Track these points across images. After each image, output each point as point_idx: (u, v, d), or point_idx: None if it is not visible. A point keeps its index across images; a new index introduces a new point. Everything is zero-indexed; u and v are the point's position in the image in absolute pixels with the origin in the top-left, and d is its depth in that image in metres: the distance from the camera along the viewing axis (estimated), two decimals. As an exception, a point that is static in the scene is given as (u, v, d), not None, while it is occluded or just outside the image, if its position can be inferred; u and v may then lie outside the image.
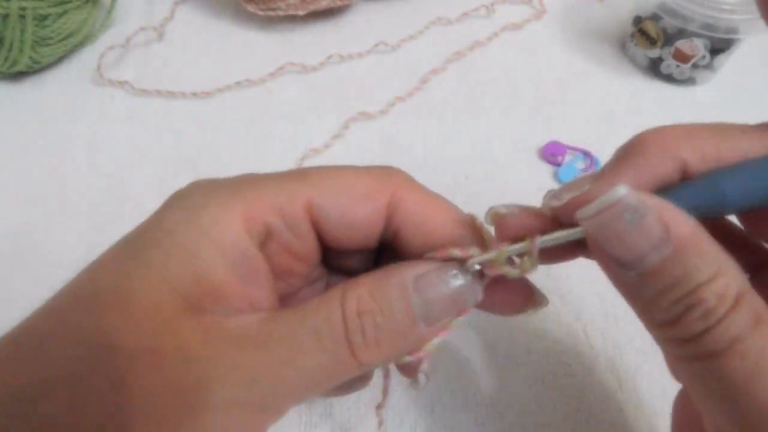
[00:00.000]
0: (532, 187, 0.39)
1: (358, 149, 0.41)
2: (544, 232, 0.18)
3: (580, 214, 0.17)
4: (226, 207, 0.18)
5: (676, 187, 0.18)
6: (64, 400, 0.15)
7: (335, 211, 0.19)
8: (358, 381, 0.22)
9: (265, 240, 0.19)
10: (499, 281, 0.20)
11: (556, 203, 0.19)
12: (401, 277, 0.18)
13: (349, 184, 0.19)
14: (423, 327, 0.18)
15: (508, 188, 0.39)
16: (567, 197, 0.18)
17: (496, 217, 0.20)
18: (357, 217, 0.19)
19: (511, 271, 0.18)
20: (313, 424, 0.29)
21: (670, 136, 0.19)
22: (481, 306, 0.20)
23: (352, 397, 0.29)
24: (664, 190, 0.18)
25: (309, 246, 0.20)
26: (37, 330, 0.17)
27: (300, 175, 0.19)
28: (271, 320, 0.17)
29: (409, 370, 0.21)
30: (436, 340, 0.19)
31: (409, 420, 0.29)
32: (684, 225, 0.16)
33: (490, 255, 0.18)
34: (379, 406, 0.24)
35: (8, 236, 0.36)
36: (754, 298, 0.16)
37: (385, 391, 0.21)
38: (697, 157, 0.18)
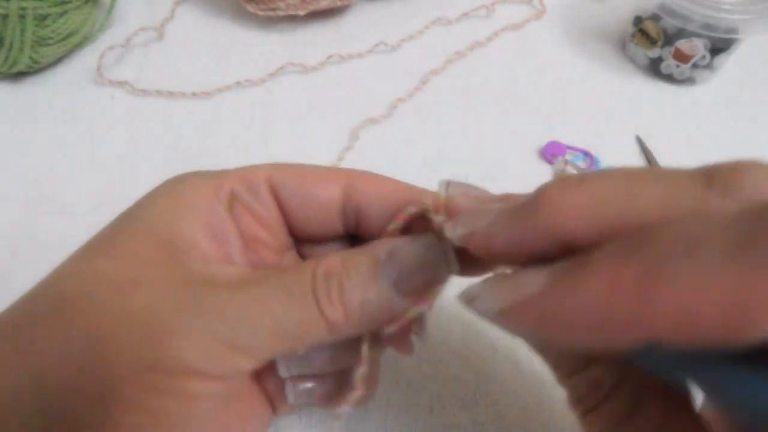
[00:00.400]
0: (532, 187, 0.39)
1: (359, 149, 0.41)
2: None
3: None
4: (199, 181, 0.20)
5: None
6: (54, 331, 0.17)
7: (291, 183, 0.21)
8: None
9: (232, 202, 0.21)
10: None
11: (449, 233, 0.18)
12: (373, 248, 0.19)
13: (306, 168, 0.22)
14: (395, 295, 0.18)
15: (508, 188, 0.39)
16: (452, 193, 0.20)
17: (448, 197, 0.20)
18: (313, 192, 0.21)
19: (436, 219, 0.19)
20: (312, 424, 0.29)
21: (569, 201, 0.15)
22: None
23: (352, 397, 0.29)
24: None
25: (271, 211, 0.21)
26: (40, 285, 0.19)
27: (262, 164, 0.22)
28: (247, 272, 0.19)
29: (399, 343, 0.21)
30: (414, 309, 0.19)
31: (409, 420, 0.29)
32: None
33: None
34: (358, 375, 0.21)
35: (8, 235, 0.36)
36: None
37: (363, 358, 0.20)
38: (592, 231, 0.14)
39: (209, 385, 0.17)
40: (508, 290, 0.14)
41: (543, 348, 0.20)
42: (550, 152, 0.40)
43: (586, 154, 0.40)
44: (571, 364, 0.19)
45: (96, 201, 0.38)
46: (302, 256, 0.23)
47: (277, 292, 0.18)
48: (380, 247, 0.19)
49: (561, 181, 0.15)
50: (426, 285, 0.19)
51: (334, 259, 0.19)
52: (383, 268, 0.18)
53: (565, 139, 0.41)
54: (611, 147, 0.41)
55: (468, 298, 0.16)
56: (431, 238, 0.19)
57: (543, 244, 0.15)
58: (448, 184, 0.20)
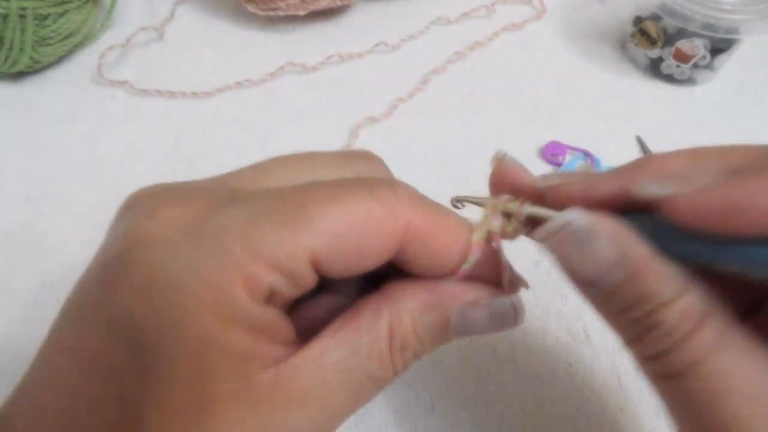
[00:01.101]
0: (532, 187, 0.39)
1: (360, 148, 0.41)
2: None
3: (534, 236, 0.18)
4: (222, 273, 0.15)
5: (642, 214, 0.17)
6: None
7: (343, 260, 0.16)
8: None
9: (271, 294, 0.16)
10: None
11: (540, 183, 0.19)
12: (445, 305, 0.18)
13: (357, 226, 0.16)
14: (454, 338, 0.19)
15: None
16: (550, 182, 0.19)
17: (497, 161, 0.20)
18: (367, 262, 0.17)
19: (494, 228, 0.19)
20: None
21: (672, 161, 0.18)
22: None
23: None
24: (634, 213, 0.17)
25: (311, 284, 0.17)
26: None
27: (300, 214, 0.16)
28: (314, 365, 0.16)
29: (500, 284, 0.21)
30: (472, 257, 0.19)
31: (409, 420, 0.29)
32: (638, 248, 0.16)
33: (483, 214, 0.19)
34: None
35: (8, 236, 0.36)
36: (719, 319, 0.16)
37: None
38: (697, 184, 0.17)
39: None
40: (692, 180, 0.16)
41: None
42: (550, 152, 0.40)
43: (586, 154, 0.40)
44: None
45: (96, 201, 0.38)
46: None
47: (364, 383, 0.17)
48: (452, 303, 0.18)
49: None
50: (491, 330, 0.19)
51: (406, 327, 0.18)
52: (455, 330, 0.18)
53: (565, 139, 0.41)
54: (611, 147, 0.41)
55: (647, 186, 0.17)
56: (507, 303, 0.19)
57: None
58: (503, 159, 0.20)
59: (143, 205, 0.17)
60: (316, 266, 0.16)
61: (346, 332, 0.17)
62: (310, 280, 0.16)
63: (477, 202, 0.20)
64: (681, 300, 0.16)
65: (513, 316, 0.19)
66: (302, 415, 0.16)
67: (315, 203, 0.16)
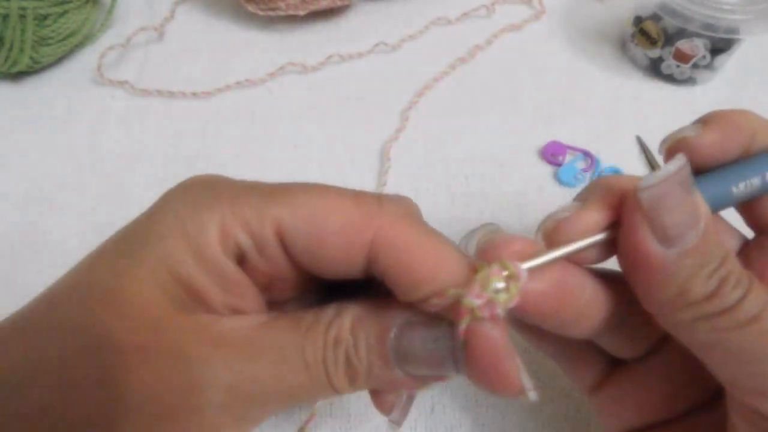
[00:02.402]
0: (532, 187, 0.39)
1: (359, 149, 0.41)
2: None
3: (645, 181, 0.17)
4: (206, 218, 0.17)
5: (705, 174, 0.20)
6: (53, 387, 0.15)
7: (303, 240, 0.17)
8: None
9: (241, 257, 0.18)
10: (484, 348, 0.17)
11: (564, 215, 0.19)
12: (386, 316, 0.18)
13: (326, 211, 0.17)
14: (399, 372, 0.18)
15: (508, 188, 0.39)
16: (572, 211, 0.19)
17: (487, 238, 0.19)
18: (328, 251, 0.18)
19: (495, 296, 0.16)
20: (312, 424, 0.29)
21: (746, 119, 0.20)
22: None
23: (352, 397, 0.29)
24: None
25: (283, 269, 0.19)
26: (29, 317, 0.18)
27: (277, 191, 0.18)
28: (261, 329, 0.17)
29: (382, 404, 0.21)
30: (407, 393, 0.19)
31: (409, 420, 0.29)
32: (705, 205, 0.17)
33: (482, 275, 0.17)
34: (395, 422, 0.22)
35: (8, 236, 0.36)
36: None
37: (402, 411, 0.20)
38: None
39: None
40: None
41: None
42: (550, 152, 0.40)
43: (586, 154, 0.40)
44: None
45: (96, 201, 0.38)
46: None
47: (292, 355, 0.17)
48: (394, 318, 0.18)
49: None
50: (430, 376, 0.18)
51: (343, 324, 0.18)
52: (390, 345, 0.17)
53: (565, 139, 0.41)
54: (611, 147, 0.41)
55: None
56: (445, 330, 0.17)
57: None
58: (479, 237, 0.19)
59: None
60: (281, 238, 0.18)
61: (295, 313, 0.18)
62: (274, 252, 0.18)
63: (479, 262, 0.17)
64: (732, 254, 0.17)
65: (449, 353, 0.17)
66: (234, 366, 0.17)
67: (297, 188, 0.18)
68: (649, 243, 0.17)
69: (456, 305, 0.16)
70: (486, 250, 0.18)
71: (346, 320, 0.18)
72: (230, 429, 0.17)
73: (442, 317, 0.17)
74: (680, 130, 0.21)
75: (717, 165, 0.20)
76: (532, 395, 0.18)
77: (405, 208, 0.19)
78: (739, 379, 0.18)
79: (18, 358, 0.16)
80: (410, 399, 0.21)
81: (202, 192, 0.18)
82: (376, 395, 0.21)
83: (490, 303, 0.16)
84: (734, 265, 0.17)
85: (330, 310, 0.18)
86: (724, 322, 0.17)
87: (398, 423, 0.21)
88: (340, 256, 0.18)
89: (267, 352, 0.17)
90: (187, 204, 0.18)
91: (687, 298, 0.17)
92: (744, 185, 0.19)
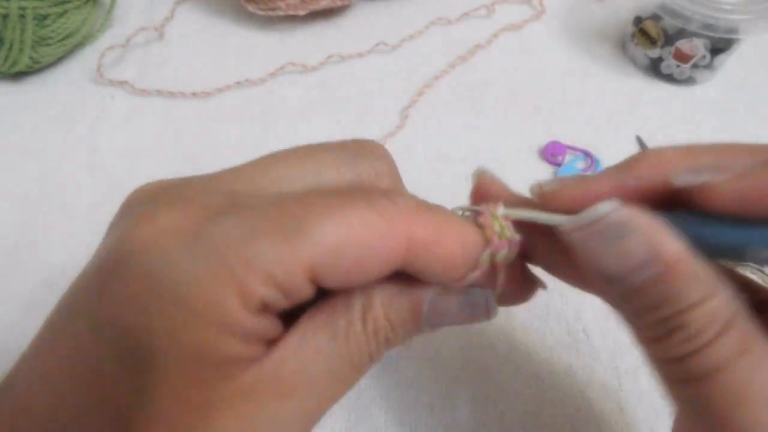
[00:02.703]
0: (532, 187, 0.39)
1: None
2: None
3: (565, 226, 0.17)
4: (217, 286, 0.15)
5: (681, 212, 0.17)
6: None
7: (342, 273, 0.16)
8: None
9: (263, 310, 0.16)
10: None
11: (538, 190, 0.19)
12: (416, 294, 0.18)
13: (358, 236, 0.16)
14: (427, 330, 0.19)
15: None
16: (552, 187, 0.19)
17: (478, 176, 0.21)
18: (368, 274, 0.17)
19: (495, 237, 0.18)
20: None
21: (668, 154, 0.18)
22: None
23: (352, 396, 0.29)
24: (669, 211, 0.17)
25: (308, 296, 0.17)
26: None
27: (298, 227, 0.15)
28: (295, 352, 0.16)
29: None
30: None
31: (409, 420, 0.29)
32: (672, 247, 0.16)
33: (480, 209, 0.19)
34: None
35: (8, 236, 0.36)
36: (745, 325, 0.16)
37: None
38: (688, 177, 0.17)
39: None
40: (727, 167, 0.16)
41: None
42: (550, 152, 0.40)
43: (586, 154, 0.40)
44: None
45: (96, 201, 0.38)
46: None
47: (345, 368, 0.17)
48: (421, 294, 0.18)
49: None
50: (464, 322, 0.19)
51: (378, 315, 0.17)
52: (426, 319, 0.18)
53: (565, 139, 0.41)
54: (611, 147, 0.41)
55: (690, 173, 0.17)
56: (480, 294, 0.19)
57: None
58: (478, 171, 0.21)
59: (142, 206, 0.16)
60: (313, 280, 0.16)
61: (321, 318, 0.17)
62: (306, 293, 0.16)
63: (474, 209, 0.19)
64: (709, 302, 0.15)
65: (485, 309, 0.19)
66: (288, 407, 0.16)
67: (313, 216, 0.16)
68: (593, 276, 0.17)
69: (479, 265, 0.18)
70: (479, 194, 0.21)
71: (378, 310, 0.18)
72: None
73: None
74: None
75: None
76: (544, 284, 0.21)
77: (415, 203, 0.18)
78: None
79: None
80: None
81: (202, 247, 0.15)
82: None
83: (510, 242, 0.18)
84: (697, 318, 0.15)
85: (357, 304, 0.17)
86: (670, 371, 0.16)
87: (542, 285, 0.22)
88: (380, 270, 0.17)
89: (311, 374, 0.16)
90: (182, 272, 0.15)
91: (636, 335, 0.17)
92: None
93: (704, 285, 0.16)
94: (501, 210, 0.19)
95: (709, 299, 0.15)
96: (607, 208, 0.16)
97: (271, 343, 0.16)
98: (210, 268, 0.15)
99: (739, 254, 0.17)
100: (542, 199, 0.19)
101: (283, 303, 0.16)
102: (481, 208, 0.19)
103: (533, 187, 0.19)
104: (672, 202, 0.17)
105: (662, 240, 0.16)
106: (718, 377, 0.15)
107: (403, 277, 0.18)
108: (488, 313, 0.19)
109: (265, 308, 0.15)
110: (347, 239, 0.15)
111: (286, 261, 0.15)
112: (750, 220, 0.16)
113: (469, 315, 0.19)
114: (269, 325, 0.16)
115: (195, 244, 0.15)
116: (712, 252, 0.16)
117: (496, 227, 0.18)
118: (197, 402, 0.15)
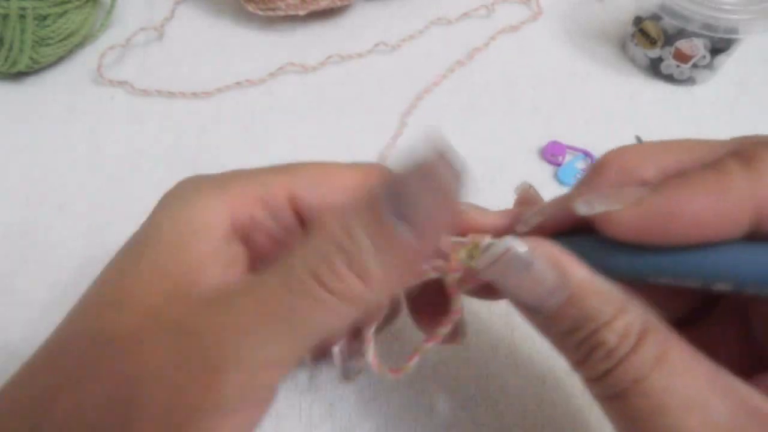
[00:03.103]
0: (532, 187, 0.39)
1: (360, 149, 0.41)
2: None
3: (477, 265, 0.18)
4: (213, 202, 0.19)
5: (586, 238, 0.18)
6: (71, 404, 0.16)
7: (316, 201, 0.19)
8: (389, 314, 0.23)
9: (251, 230, 0.19)
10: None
11: (521, 228, 0.20)
12: (372, 193, 0.16)
13: (330, 176, 0.20)
14: (403, 230, 0.16)
15: (508, 188, 0.39)
16: (533, 221, 0.19)
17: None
18: (335, 196, 0.19)
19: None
20: (312, 424, 0.29)
21: (630, 155, 0.19)
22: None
23: (352, 397, 0.29)
24: (571, 235, 0.18)
25: (291, 230, 0.20)
26: (53, 341, 0.18)
27: (283, 168, 0.20)
28: (238, 284, 0.17)
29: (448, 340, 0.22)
30: (444, 327, 0.19)
31: (408, 420, 0.29)
32: (578, 270, 0.16)
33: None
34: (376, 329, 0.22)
35: (8, 236, 0.36)
36: (659, 335, 0.16)
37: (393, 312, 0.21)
38: (658, 173, 0.18)
39: (248, 415, 0.16)
40: (623, 196, 0.17)
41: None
42: (550, 152, 0.40)
43: (586, 154, 0.40)
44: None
45: (96, 201, 0.38)
46: None
47: (277, 294, 0.16)
48: (377, 188, 0.16)
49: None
50: (438, 210, 0.16)
51: (332, 226, 0.16)
52: (383, 203, 0.16)
53: (565, 139, 0.41)
54: (611, 147, 0.41)
55: (586, 204, 0.17)
56: (447, 155, 0.16)
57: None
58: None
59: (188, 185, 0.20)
60: (293, 205, 0.19)
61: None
62: (288, 219, 0.19)
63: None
64: (620, 319, 0.16)
65: (453, 175, 0.16)
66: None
67: (297, 164, 0.21)
68: (518, 305, 0.18)
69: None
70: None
71: (332, 224, 0.16)
72: (262, 378, 0.16)
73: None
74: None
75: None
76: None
77: (389, 170, 0.19)
78: None
79: (40, 383, 0.16)
80: (458, 321, 0.21)
81: (199, 182, 0.20)
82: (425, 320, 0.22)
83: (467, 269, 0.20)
84: (608, 335, 0.16)
85: (313, 230, 0.17)
86: (595, 389, 0.17)
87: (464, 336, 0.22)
88: (343, 196, 0.19)
89: (247, 304, 0.16)
90: (186, 194, 0.19)
91: (565, 357, 0.18)
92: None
93: (614, 302, 0.16)
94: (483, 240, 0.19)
95: (620, 315, 0.16)
96: (507, 242, 0.17)
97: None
98: (207, 193, 0.19)
99: (641, 279, 0.17)
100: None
101: (269, 223, 0.19)
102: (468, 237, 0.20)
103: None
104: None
105: (567, 265, 0.17)
106: (638, 389, 0.15)
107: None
108: (454, 179, 0.16)
109: (255, 226, 0.19)
110: (321, 177, 0.20)
111: (271, 186, 0.19)
112: (649, 248, 0.16)
113: (435, 177, 0.16)
114: (240, 259, 0.19)
115: (199, 183, 0.20)
116: (617, 275, 0.17)
117: (462, 255, 0.19)
118: (172, 311, 0.17)
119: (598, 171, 0.19)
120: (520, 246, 0.17)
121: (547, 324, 0.17)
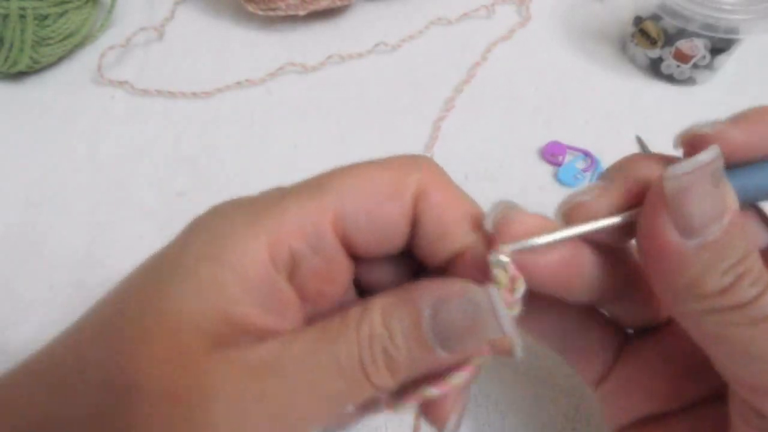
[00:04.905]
0: (532, 187, 0.39)
1: (360, 149, 0.41)
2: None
3: (673, 169, 0.17)
4: (250, 237, 0.17)
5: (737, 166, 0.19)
6: None
7: (363, 217, 0.18)
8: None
9: (293, 268, 0.18)
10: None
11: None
12: (415, 299, 0.17)
13: (373, 182, 0.18)
14: (441, 352, 0.17)
15: (508, 188, 0.39)
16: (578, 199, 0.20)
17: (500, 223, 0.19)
18: (386, 219, 0.18)
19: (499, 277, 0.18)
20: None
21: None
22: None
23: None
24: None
25: (339, 265, 0.19)
26: (57, 362, 0.17)
27: (321, 185, 0.18)
28: (288, 343, 0.16)
29: (435, 412, 0.20)
30: (460, 375, 0.18)
31: (409, 420, 0.29)
32: (735, 200, 0.17)
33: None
34: None
35: (8, 236, 0.36)
36: None
37: (458, 417, 0.20)
38: None
39: None
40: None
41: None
42: (550, 152, 0.40)
43: (586, 154, 0.40)
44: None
45: (96, 201, 0.38)
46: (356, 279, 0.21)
47: (324, 363, 0.16)
48: (424, 299, 0.17)
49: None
50: (473, 346, 0.17)
51: (375, 318, 0.17)
52: (427, 326, 0.17)
53: (565, 139, 0.41)
54: (611, 147, 0.41)
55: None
56: (481, 293, 0.17)
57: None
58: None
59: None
60: (337, 228, 0.18)
61: (321, 321, 0.17)
62: (333, 249, 0.18)
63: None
64: (755, 251, 0.17)
65: (490, 309, 0.17)
66: (272, 390, 0.16)
67: (334, 175, 0.19)
68: (668, 232, 0.17)
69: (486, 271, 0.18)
70: (500, 226, 0.19)
71: (376, 314, 0.17)
72: None
73: (470, 284, 0.18)
74: (704, 125, 0.20)
75: (743, 162, 0.19)
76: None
77: (432, 164, 0.20)
78: (742, 375, 0.18)
79: (47, 409, 0.16)
80: (463, 401, 0.21)
81: (237, 211, 0.18)
82: (430, 411, 0.20)
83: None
84: (754, 262, 0.17)
85: (356, 309, 0.17)
86: (735, 318, 0.17)
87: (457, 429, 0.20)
88: (395, 217, 0.18)
89: (294, 367, 0.16)
90: (219, 227, 0.17)
91: (699, 291, 0.17)
92: None
93: (755, 234, 0.18)
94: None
95: (756, 248, 0.17)
96: (714, 152, 0.17)
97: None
98: (243, 226, 0.17)
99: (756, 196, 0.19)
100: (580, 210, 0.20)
101: (313, 259, 0.18)
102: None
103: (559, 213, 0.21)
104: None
105: (730, 193, 0.17)
106: None
107: (404, 289, 0.18)
108: (496, 319, 0.17)
109: (297, 263, 0.18)
110: (364, 186, 0.18)
111: (312, 212, 0.17)
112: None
113: (471, 317, 0.17)
114: (285, 298, 0.17)
115: (232, 214, 0.18)
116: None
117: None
118: (199, 371, 0.16)
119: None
120: (721, 159, 0.17)
121: (696, 252, 0.17)
